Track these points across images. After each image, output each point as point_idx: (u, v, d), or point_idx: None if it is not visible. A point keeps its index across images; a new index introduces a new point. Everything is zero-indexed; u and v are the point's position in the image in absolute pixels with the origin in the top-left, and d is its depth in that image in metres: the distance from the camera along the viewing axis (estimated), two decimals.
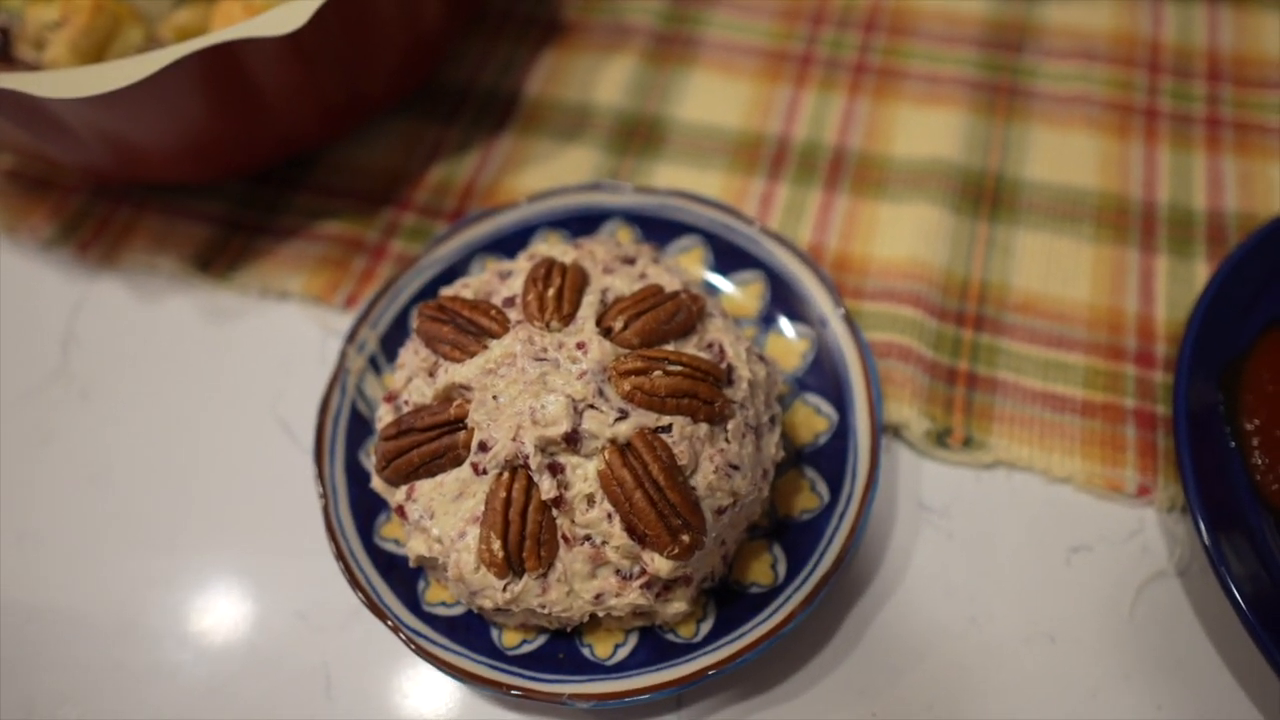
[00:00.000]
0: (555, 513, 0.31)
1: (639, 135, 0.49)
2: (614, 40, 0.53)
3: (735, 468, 0.32)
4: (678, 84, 0.51)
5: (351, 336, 0.39)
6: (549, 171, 0.48)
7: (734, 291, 0.41)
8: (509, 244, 0.42)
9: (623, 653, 0.34)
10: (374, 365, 0.40)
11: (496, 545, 0.31)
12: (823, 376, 0.38)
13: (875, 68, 0.51)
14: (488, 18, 0.55)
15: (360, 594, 0.34)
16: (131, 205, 0.48)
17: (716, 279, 0.42)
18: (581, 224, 0.43)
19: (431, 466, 0.33)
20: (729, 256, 0.42)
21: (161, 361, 0.43)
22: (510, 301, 0.35)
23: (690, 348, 0.34)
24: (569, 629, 0.34)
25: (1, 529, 0.39)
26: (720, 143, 0.48)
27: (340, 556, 0.35)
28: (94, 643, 0.37)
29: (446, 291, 0.36)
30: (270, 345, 0.43)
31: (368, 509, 0.37)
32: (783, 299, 0.40)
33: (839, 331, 0.38)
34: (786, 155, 0.48)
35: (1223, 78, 0.49)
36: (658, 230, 0.42)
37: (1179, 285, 0.42)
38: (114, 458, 0.41)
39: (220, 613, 0.37)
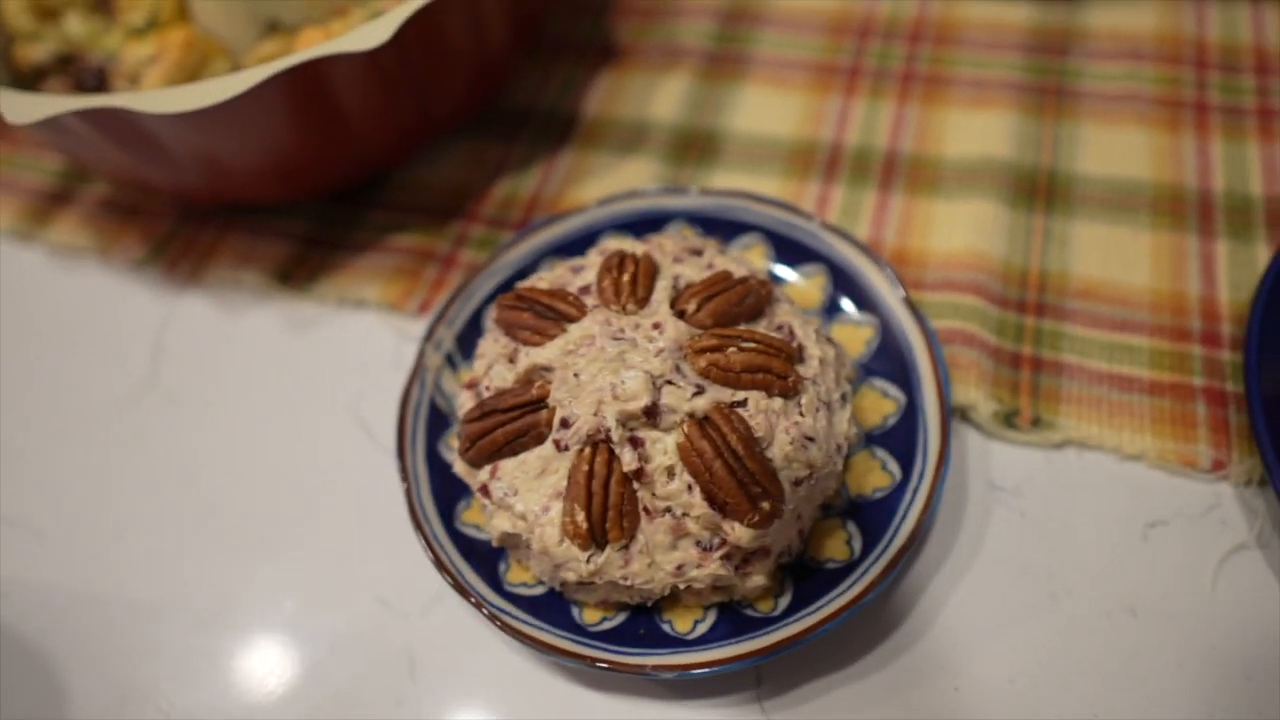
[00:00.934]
0: (636, 485, 0.32)
1: (695, 147, 0.51)
2: (667, 61, 0.55)
3: (810, 439, 0.33)
4: (730, 98, 0.53)
5: (429, 335, 0.41)
6: (609, 183, 0.50)
7: (797, 283, 0.42)
8: (576, 247, 0.44)
9: (702, 628, 0.34)
10: (450, 363, 0.41)
11: (580, 517, 0.32)
12: (888, 361, 0.39)
13: (923, 75, 0.52)
14: (546, 43, 0.57)
15: (446, 575, 0.35)
16: (216, 227, 0.50)
17: (780, 271, 0.43)
18: (646, 226, 0.44)
19: (515, 446, 0.34)
20: (790, 251, 0.43)
21: (245, 369, 0.45)
22: (586, 290, 0.36)
23: (760, 329, 0.35)
24: (649, 604, 0.35)
25: (101, 526, 0.41)
26: (774, 151, 0.50)
27: (425, 540, 0.36)
28: (184, 632, 0.38)
29: (522, 285, 0.38)
30: (348, 351, 0.45)
31: (448, 497, 0.38)
32: (845, 289, 0.41)
33: (903, 318, 0.39)
34: (840, 160, 0.49)
35: (1271, 71, 0.50)
36: (720, 229, 0.44)
37: (1240, 268, 0.42)
38: (202, 459, 0.43)
39: (304, 601, 0.38)
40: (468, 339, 0.42)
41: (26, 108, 0.39)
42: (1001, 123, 0.49)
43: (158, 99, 0.39)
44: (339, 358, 0.45)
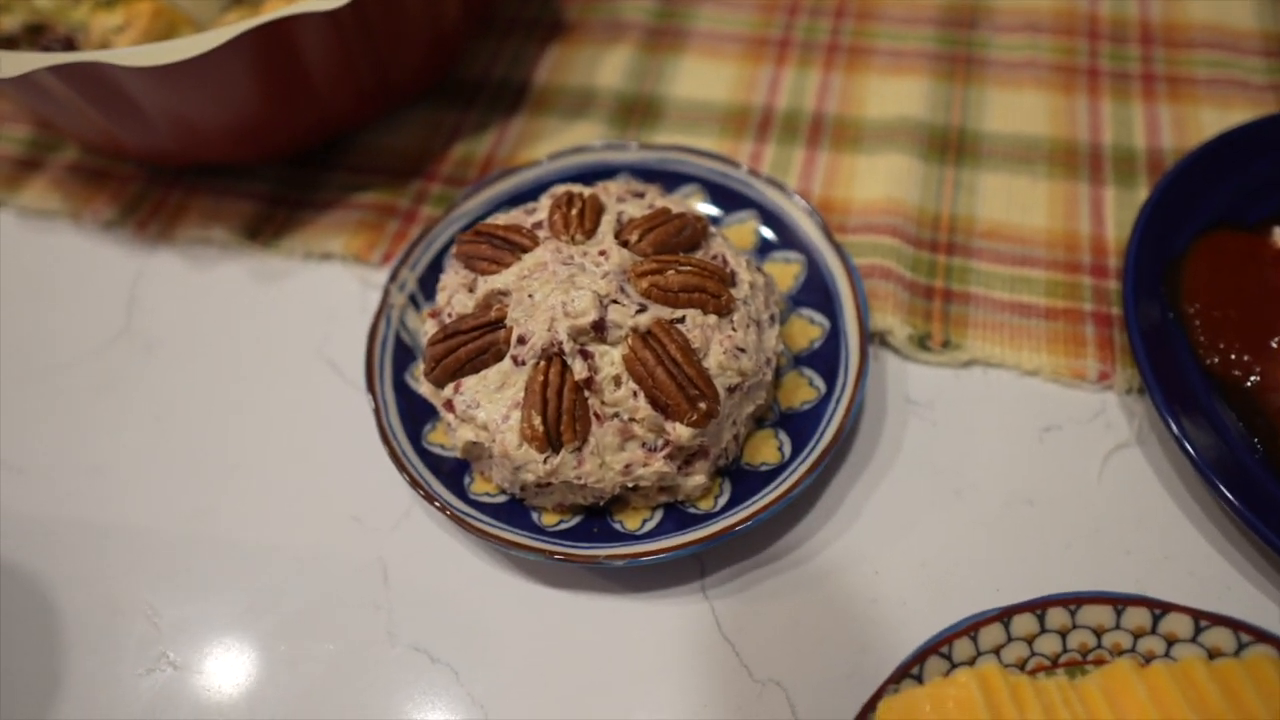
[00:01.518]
0: (587, 393, 0.36)
1: (638, 111, 0.55)
2: (611, 35, 0.59)
3: (741, 350, 0.37)
4: (670, 68, 0.57)
5: (393, 277, 0.44)
6: (559, 143, 0.53)
7: (732, 226, 0.46)
8: (528, 197, 0.47)
9: (650, 525, 0.38)
10: (414, 302, 0.44)
11: (537, 421, 0.35)
12: (814, 293, 0.43)
13: (846, 47, 0.57)
14: (497, 21, 0.61)
15: (415, 487, 0.38)
16: (183, 188, 0.53)
17: (716, 215, 0.47)
18: (593, 179, 0.48)
19: (476, 363, 0.37)
20: (726, 198, 0.47)
21: (217, 317, 0.48)
22: (539, 225, 0.40)
23: (698, 256, 0.39)
24: (602, 503, 0.38)
25: (81, 462, 0.43)
26: (711, 114, 0.54)
27: (394, 455, 0.39)
28: (167, 551, 0.40)
29: (481, 223, 0.41)
30: (315, 298, 0.48)
31: (415, 418, 0.41)
32: (775, 231, 0.45)
33: (827, 255, 0.43)
34: (771, 122, 0.53)
35: (1154, 41, 0.55)
36: (661, 181, 0.48)
37: (1125, 210, 0.47)
38: (175, 399, 0.45)
39: (280, 523, 0.41)
40: (429, 283, 0.45)
41: (7, 64, 0.42)
42: (917, 87, 0.54)
43: (133, 54, 0.41)
44: (307, 305, 0.48)
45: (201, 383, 0.46)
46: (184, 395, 0.45)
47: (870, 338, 0.41)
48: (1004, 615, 0.33)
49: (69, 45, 0.53)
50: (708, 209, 0.47)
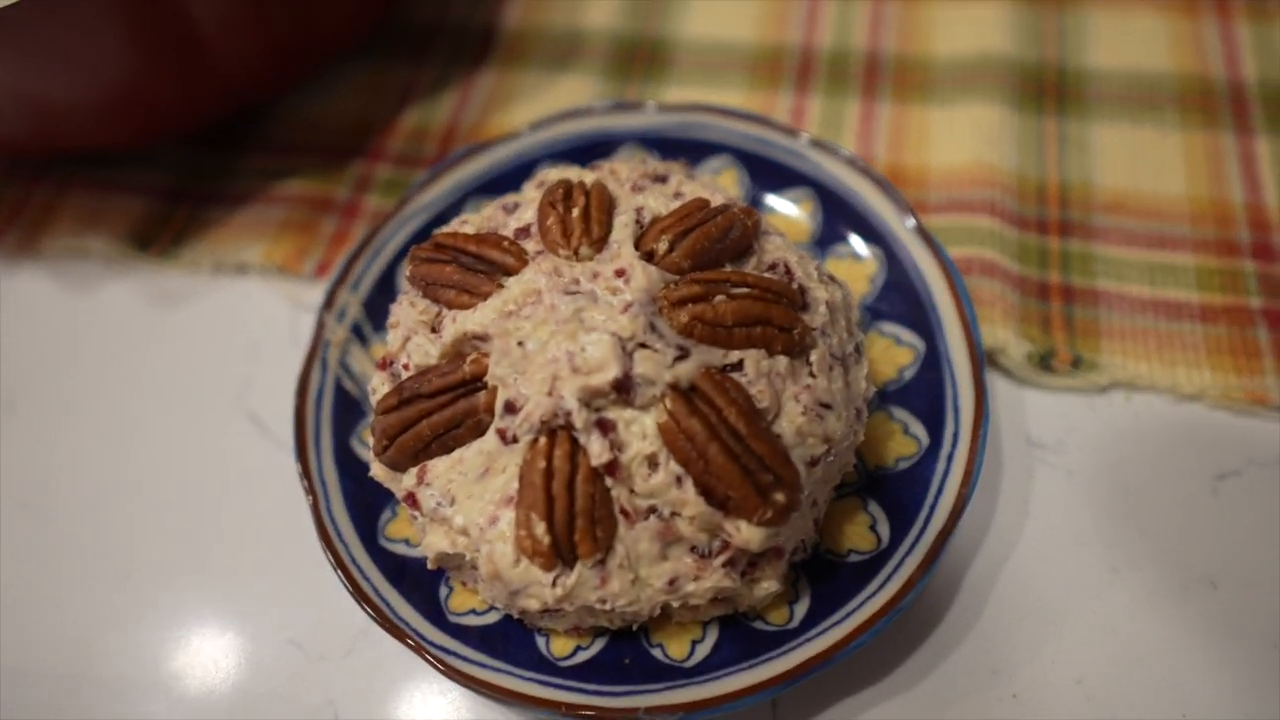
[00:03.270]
0: (609, 482, 0.25)
1: (640, 59, 0.43)
2: None
3: (826, 406, 0.26)
4: (678, 1, 0.45)
5: (329, 302, 0.32)
6: (542, 106, 0.41)
7: (780, 212, 0.35)
8: (507, 182, 0.36)
9: (703, 650, 0.27)
10: (359, 335, 0.33)
11: (540, 529, 0.24)
12: (899, 301, 0.32)
13: None
14: None
15: (369, 609, 0.27)
16: (51, 184, 0.41)
17: (758, 199, 0.35)
18: (592, 153, 0.36)
19: (446, 440, 0.26)
20: (768, 175, 0.35)
21: (100, 359, 0.36)
22: (524, 232, 0.28)
23: (750, 269, 0.28)
24: (634, 627, 0.27)
25: None
26: (735, 58, 0.42)
27: (339, 564, 0.28)
28: (40, 704, 0.29)
29: (442, 230, 0.30)
30: (230, 329, 0.36)
31: (368, 506, 0.30)
32: (839, 217, 0.34)
33: (912, 247, 0.32)
34: (813, 65, 0.42)
35: None
36: (682, 153, 0.36)
37: None
38: (50, 478, 0.34)
39: (196, 651, 0.30)
40: (378, 305, 0.33)
41: None
42: (996, 13, 0.42)
43: None
44: (219, 337, 0.36)
45: (83, 453, 0.34)
46: (57, 471, 0.34)
47: (984, 360, 0.30)
48: None
49: None
50: (746, 193, 0.35)
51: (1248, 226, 0.35)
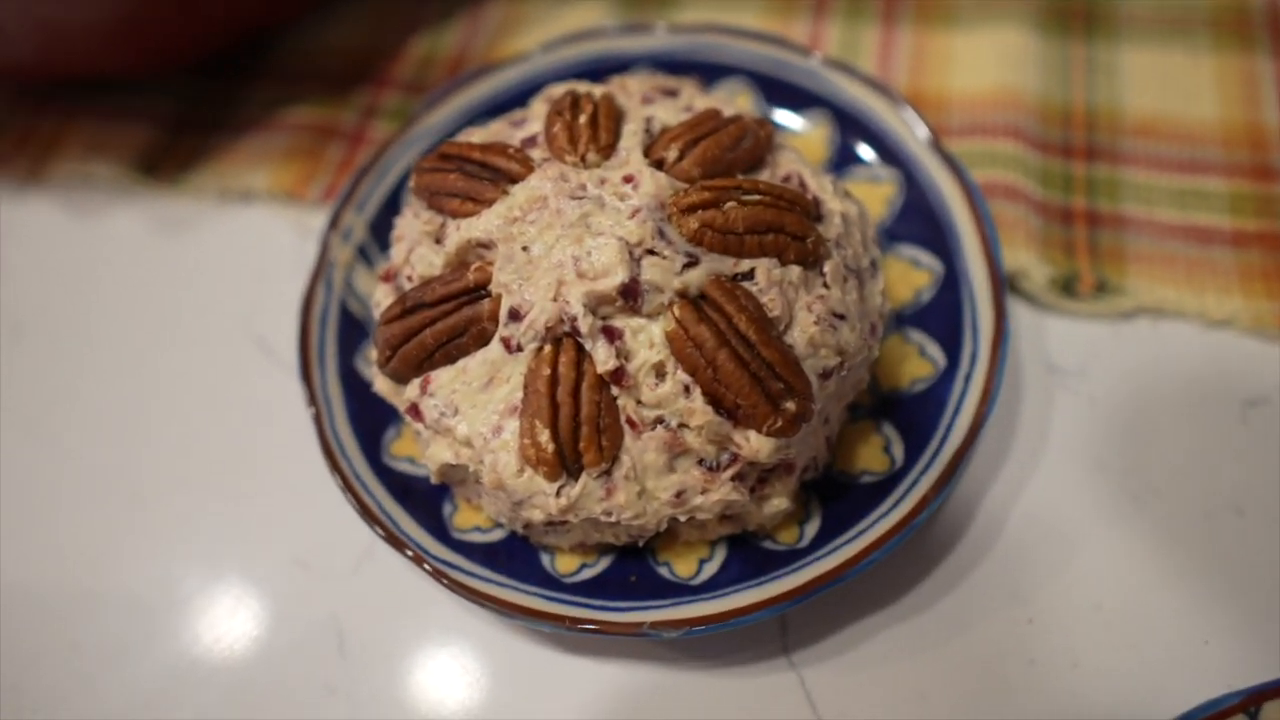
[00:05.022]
0: (616, 391, 0.24)
1: None
2: None
3: (840, 317, 0.25)
4: None
5: (334, 222, 0.32)
6: (551, 32, 0.40)
7: (796, 132, 0.34)
8: (517, 105, 0.35)
9: (710, 568, 0.27)
10: (364, 256, 0.32)
11: (545, 437, 0.24)
12: (917, 222, 0.31)
13: None
14: None
15: (374, 525, 0.27)
16: (59, 111, 0.40)
17: (774, 118, 0.34)
18: (601, 77, 0.35)
19: (450, 349, 0.25)
20: (784, 96, 0.34)
21: (107, 286, 0.36)
22: (531, 142, 0.28)
23: (764, 177, 0.27)
24: (640, 543, 0.27)
25: None
26: None
27: (344, 481, 0.27)
28: (47, 623, 0.29)
29: (449, 143, 0.29)
30: (237, 254, 0.36)
31: (372, 424, 0.29)
32: (856, 137, 0.33)
33: (932, 169, 0.31)
34: None
35: None
36: (695, 74, 0.35)
37: None
38: (57, 402, 0.34)
39: (202, 571, 0.30)
40: (384, 227, 0.33)
41: None
42: None
43: None
44: (226, 263, 0.36)
45: (88, 378, 0.34)
46: (64, 396, 0.34)
47: (1005, 280, 0.29)
48: (1250, 702, 0.22)
49: None
50: (762, 113, 0.34)
51: None
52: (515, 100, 0.35)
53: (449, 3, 0.42)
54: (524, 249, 0.25)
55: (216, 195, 0.37)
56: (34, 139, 0.39)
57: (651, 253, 0.24)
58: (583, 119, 0.27)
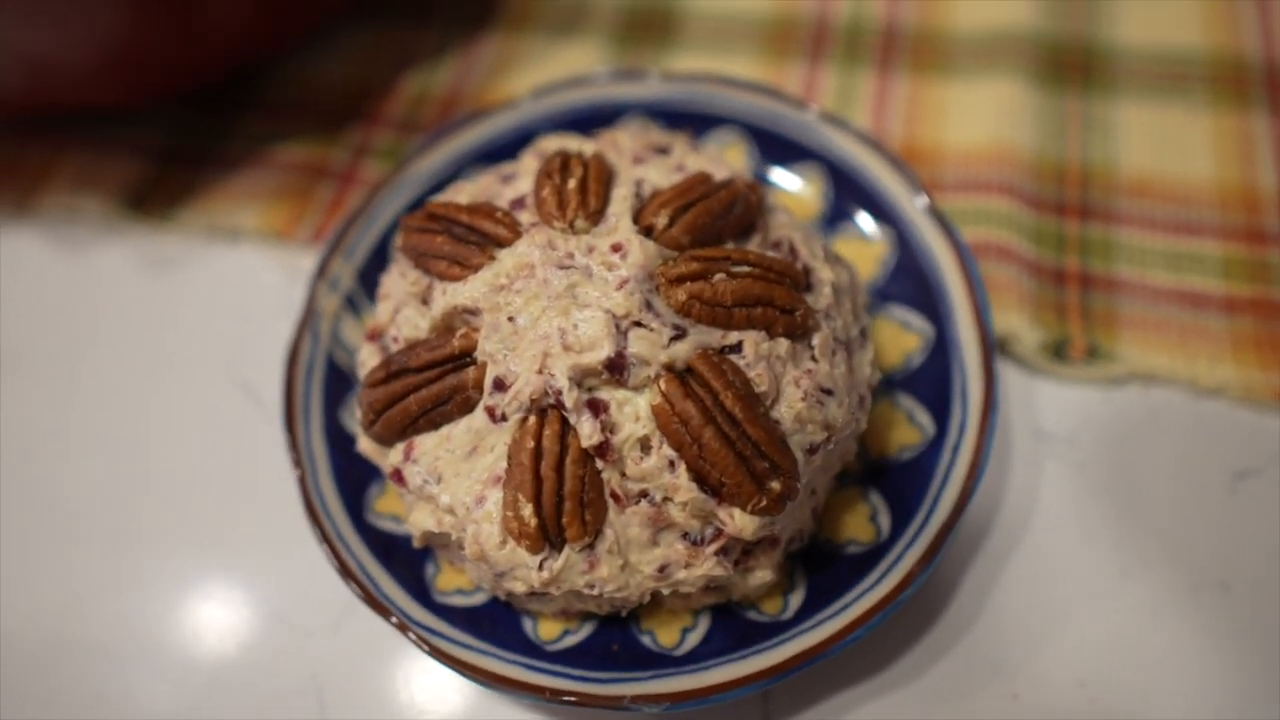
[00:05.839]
0: (600, 464, 0.24)
1: (650, 26, 0.41)
2: None
3: (827, 392, 0.25)
4: None
5: (322, 271, 0.32)
6: (546, 74, 0.40)
7: (788, 189, 0.34)
8: (508, 153, 0.34)
9: (693, 638, 0.26)
10: (351, 306, 0.32)
11: (527, 511, 0.23)
12: (909, 284, 0.31)
13: None
14: None
15: (354, 585, 0.26)
16: (48, 142, 0.40)
17: (766, 174, 0.34)
18: (595, 124, 0.35)
19: (434, 416, 0.25)
20: (777, 149, 0.34)
21: (91, 323, 0.36)
22: (519, 203, 0.27)
23: (754, 248, 0.27)
24: (623, 613, 0.27)
25: None
26: (747, 28, 0.41)
27: (325, 539, 0.27)
28: (22, 669, 0.29)
29: (436, 200, 0.29)
30: (223, 295, 0.36)
31: (356, 481, 0.29)
32: (849, 195, 0.33)
33: (924, 229, 0.31)
34: (828, 35, 0.40)
35: None
36: (688, 124, 0.35)
37: None
38: (40, 441, 0.33)
39: (181, 622, 0.30)
40: (372, 274, 0.32)
41: None
42: None
43: None
44: (211, 303, 0.36)
45: (72, 417, 0.34)
46: (47, 435, 0.33)
47: (995, 346, 0.29)
48: None
49: None
50: (755, 167, 0.34)
51: (1278, 214, 0.34)
52: (507, 148, 0.35)
53: (443, 38, 0.42)
54: (510, 319, 0.24)
55: (205, 232, 0.37)
56: (22, 171, 0.39)
57: (639, 324, 0.24)
58: (572, 183, 0.26)
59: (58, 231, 0.38)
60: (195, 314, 0.35)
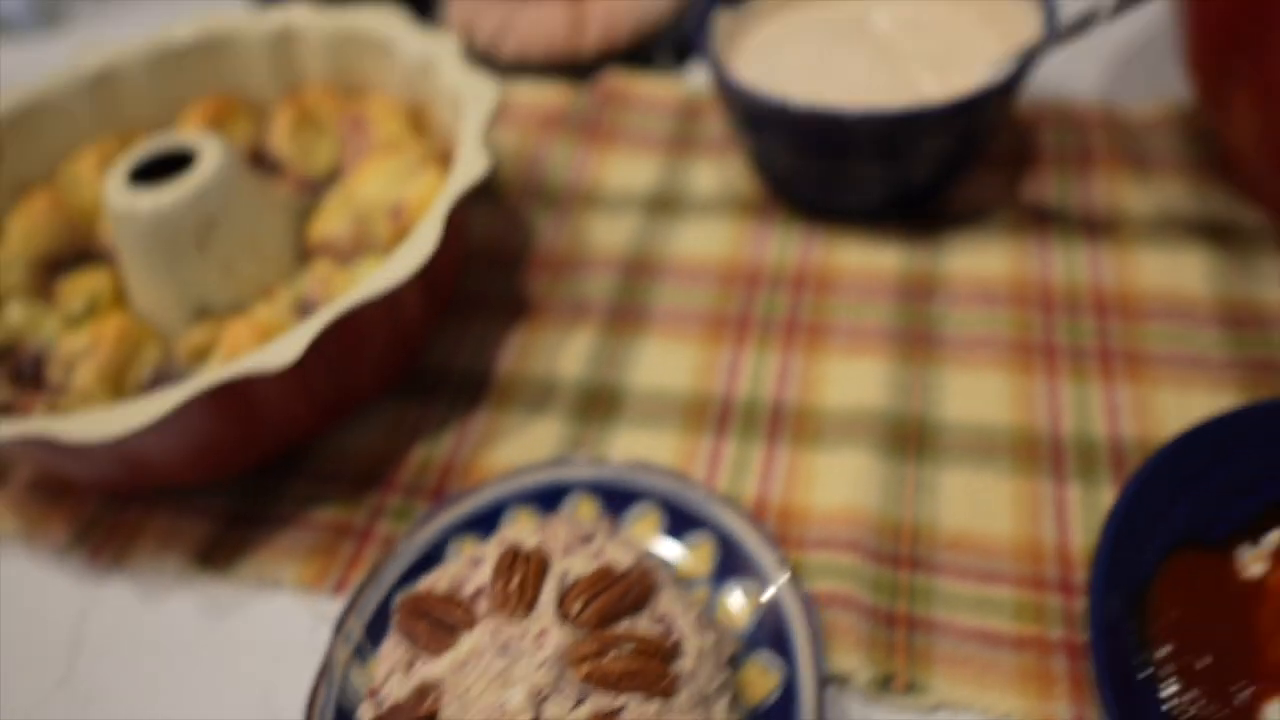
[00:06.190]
0: None
1: (599, 404, 0.55)
2: (574, 316, 0.60)
3: None
4: (632, 352, 0.57)
5: (339, 627, 0.43)
6: (519, 445, 0.53)
7: (686, 554, 0.45)
8: (483, 522, 0.47)
9: None
10: (359, 655, 0.43)
11: None
12: (770, 634, 0.42)
13: (805, 324, 0.57)
14: (462, 299, 0.62)
15: None
16: (140, 508, 0.53)
17: (670, 542, 0.46)
18: (548, 498, 0.47)
19: None
20: (681, 520, 0.46)
21: (161, 662, 0.46)
22: (479, 593, 0.39)
23: (644, 621, 0.38)
24: None
25: None
26: (671, 405, 0.54)
27: None
28: None
29: (424, 582, 0.40)
30: (264, 637, 0.47)
31: None
32: (732, 558, 0.44)
33: (784, 587, 0.42)
34: (731, 413, 0.53)
35: (1109, 311, 0.55)
36: (618, 499, 0.47)
37: (1090, 512, 0.46)
38: None
39: None
40: (377, 626, 0.44)
41: None
42: (876, 370, 0.54)
43: (82, 424, 0.42)
44: (254, 645, 0.47)
45: None
46: None
47: (827, 685, 0.39)
48: None
49: (36, 366, 0.54)
50: (662, 535, 0.46)
51: (1056, 563, 0.44)
52: (483, 518, 0.47)
53: (445, 414, 0.55)
54: (466, 690, 0.35)
55: (255, 583, 0.49)
56: (120, 530, 0.52)
57: (553, 693, 0.35)
58: (515, 582, 0.38)
59: (145, 582, 0.50)
60: (240, 656, 0.46)
